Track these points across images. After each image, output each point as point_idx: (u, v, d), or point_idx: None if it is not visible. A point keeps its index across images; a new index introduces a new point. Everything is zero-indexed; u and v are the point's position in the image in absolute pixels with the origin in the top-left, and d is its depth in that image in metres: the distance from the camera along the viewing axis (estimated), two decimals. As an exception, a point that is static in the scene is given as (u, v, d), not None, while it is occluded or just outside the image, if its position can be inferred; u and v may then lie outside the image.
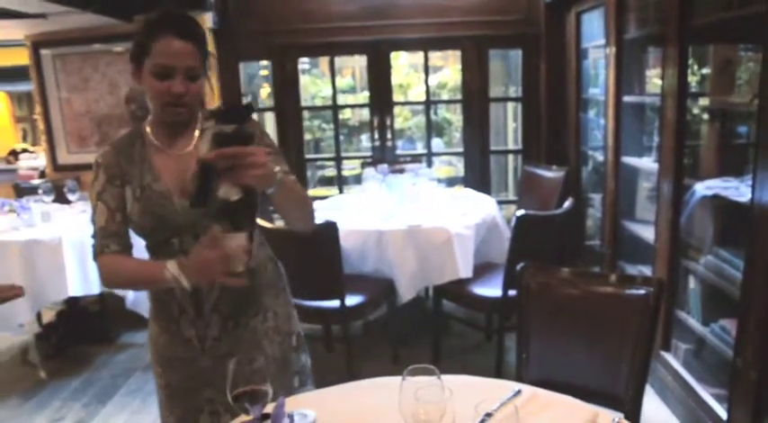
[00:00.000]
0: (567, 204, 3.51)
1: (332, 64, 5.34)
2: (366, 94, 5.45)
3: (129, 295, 3.92)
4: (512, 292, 3.23)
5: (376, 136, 5.17)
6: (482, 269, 3.64)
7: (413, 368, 1.28)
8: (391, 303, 3.59)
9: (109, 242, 1.65)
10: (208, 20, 4.88)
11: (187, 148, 1.68)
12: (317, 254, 3.11)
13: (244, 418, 1.32)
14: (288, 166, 1.69)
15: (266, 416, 1.31)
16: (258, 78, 5.78)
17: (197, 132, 1.68)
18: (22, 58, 5.59)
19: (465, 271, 3.46)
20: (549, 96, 4.94)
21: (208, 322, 1.71)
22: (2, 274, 3.57)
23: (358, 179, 4.75)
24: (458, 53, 5.21)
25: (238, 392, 1.31)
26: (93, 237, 1.68)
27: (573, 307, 2.05)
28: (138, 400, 3.63)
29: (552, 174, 4.32)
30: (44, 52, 5.24)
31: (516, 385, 1.60)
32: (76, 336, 4.45)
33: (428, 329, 3.86)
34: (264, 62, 5.53)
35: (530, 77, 5.07)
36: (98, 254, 1.67)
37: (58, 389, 3.82)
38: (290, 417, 1.31)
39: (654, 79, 3.55)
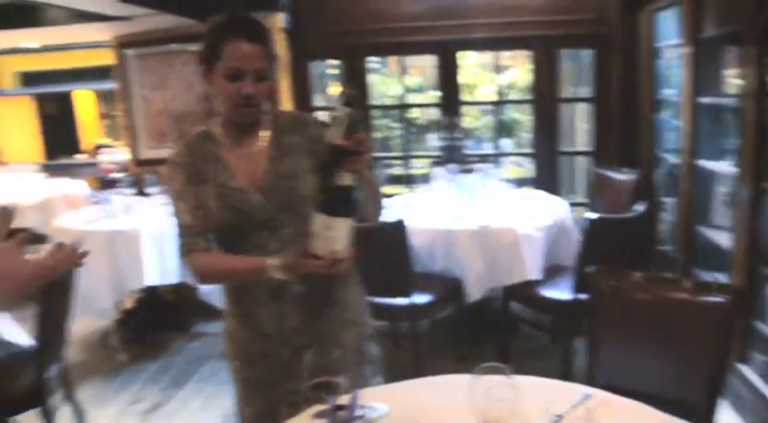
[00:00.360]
0: (639, 208, 3.44)
1: (401, 63, 5.39)
2: (435, 93, 5.47)
3: (203, 286, 4.07)
4: (581, 296, 3.20)
5: (444, 135, 5.19)
6: (551, 271, 3.62)
7: (483, 366, 1.30)
8: (459, 303, 3.61)
9: (197, 240, 1.72)
10: (280, 20, 5.00)
11: (256, 146, 1.75)
12: (386, 251, 3.16)
13: (319, 407, 1.37)
14: None
15: (340, 407, 1.36)
16: (327, 77, 5.88)
17: (264, 132, 1.76)
18: (107, 58, 5.88)
19: (534, 272, 3.44)
20: (621, 97, 4.84)
21: (288, 315, 1.75)
22: (87, 261, 3.78)
23: (426, 178, 4.78)
24: (527, 53, 5.17)
25: (315, 383, 1.37)
26: (180, 236, 1.73)
27: (645, 312, 2.03)
28: (211, 386, 3.78)
29: (624, 176, 4.24)
30: (128, 52, 5.49)
31: (586, 389, 1.60)
32: (154, 323, 4.66)
33: (495, 330, 3.86)
34: (333, 61, 5.61)
35: (601, 78, 4.97)
36: (187, 252, 1.72)
37: (137, 372, 4.02)
38: (364, 408, 1.36)
39: (732, 79, 3.44)
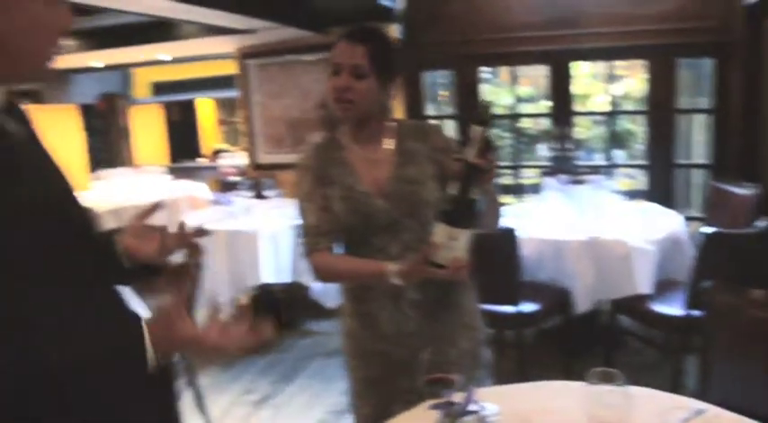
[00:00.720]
0: (760, 224, 3.29)
1: (512, 73, 5.39)
2: (546, 102, 5.44)
3: (314, 286, 4.25)
4: (694, 312, 3.11)
5: (555, 145, 5.15)
6: (663, 286, 3.52)
7: (596, 372, 1.31)
8: (566, 313, 3.59)
9: (320, 240, 1.81)
10: (394, 31, 5.15)
11: (381, 152, 1.83)
12: (495, 258, 3.20)
13: (433, 401, 1.44)
14: None
15: (452, 403, 1.41)
16: (438, 87, 5.97)
17: (388, 139, 1.84)
18: (227, 68, 6.25)
19: (645, 286, 3.37)
20: (743, 108, 4.62)
21: (406, 317, 1.81)
22: (208, 259, 4.06)
23: (535, 188, 4.76)
24: (643, 62, 5.04)
25: (431, 378, 1.44)
26: (304, 235, 1.83)
27: (764, 332, 1.97)
28: (318, 382, 3.94)
29: (744, 191, 4.06)
30: (250, 63, 5.82)
31: (699, 404, 1.58)
32: (265, 319, 4.90)
33: (602, 343, 3.80)
34: (445, 71, 5.69)
35: (722, 88, 4.77)
36: (311, 252, 1.82)
37: (249, 365, 4.24)
38: (477, 405, 1.42)
39: None
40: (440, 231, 1.52)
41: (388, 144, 1.84)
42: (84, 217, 1.18)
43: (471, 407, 1.37)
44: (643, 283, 3.37)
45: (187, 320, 1.08)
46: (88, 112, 9.26)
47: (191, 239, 1.33)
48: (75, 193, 1.18)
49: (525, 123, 6.39)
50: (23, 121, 1.11)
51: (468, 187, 1.48)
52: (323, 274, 1.84)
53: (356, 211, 1.79)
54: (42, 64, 1.07)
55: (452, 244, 1.51)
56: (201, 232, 1.37)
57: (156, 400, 1.23)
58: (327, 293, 4.29)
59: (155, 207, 1.31)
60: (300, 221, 1.85)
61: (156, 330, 1.04)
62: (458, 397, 1.41)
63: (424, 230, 1.71)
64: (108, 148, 9.81)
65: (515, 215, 4.06)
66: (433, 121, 2.00)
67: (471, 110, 1.67)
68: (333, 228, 1.82)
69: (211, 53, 6.86)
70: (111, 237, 1.29)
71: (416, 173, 1.81)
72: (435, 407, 1.37)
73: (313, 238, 1.82)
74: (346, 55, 1.72)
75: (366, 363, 1.89)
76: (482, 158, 1.46)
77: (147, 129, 10.23)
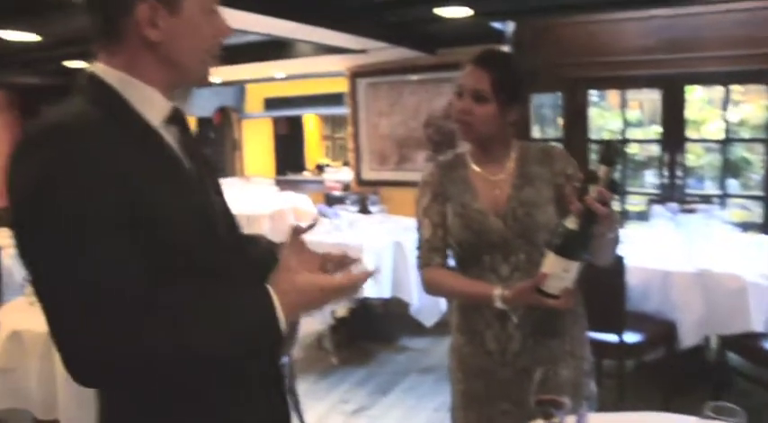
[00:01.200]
0: None
1: (623, 97, 5.31)
2: (656, 128, 5.30)
3: (414, 303, 4.32)
4: (815, 355, 2.95)
5: (665, 173, 5.00)
6: (778, 325, 3.35)
7: (714, 405, 1.29)
8: (670, 347, 3.47)
9: (434, 255, 1.90)
10: (504, 53, 5.19)
11: (502, 173, 1.88)
12: (601, 286, 3.15)
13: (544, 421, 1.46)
14: None
15: None
16: (546, 109, 5.95)
17: (511, 161, 1.88)
18: (335, 85, 6.48)
19: (759, 324, 3.21)
20: None
21: (510, 337, 1.83)
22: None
23: (641, 216, 4.66)
24: (763, 87, 4.83)
25: (541, 399, 1.47)
26: (419, 248, 1.93)
27: None
28: (413, 398, 3.99)
29: None
30: (360, 81, 6.02)
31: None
32: (363, 332, 5.02)
33: (707, 381, 3.65)
34: (552, 94, 5.67)
35: None
36: (424, 265, 1.91)
37: (346, 375, 4.35)
38: (588, 429, 1.43)
39: None
40: (553, 262, 1.55)
41: (510, 166, 1.88)
42: (229, 221, 1.28)
43: (584, 425, 1.38)
44: (757, 321, 3.22)
45: (303, 272, 1.13)
46: (204, 124, 9.83)
47: (348, 266, 1.37)
48: (224, 197, 1.29)
49: (633, 149, 6.24)
50: (185, 127, 1.22)
51: (587, 225, 1.51)
52: (432, 288, 1.93)
53: (469, 228, 1.84)
54: (203, 71, 1.19)
55: (564, 275, 1.54)
56: (356, 263, 1.43)
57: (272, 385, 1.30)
58: (426, 312, 4.35)
59: (310, 226, 1.39)
60: (417, 235, 1.94)
61: (279, 286, 1.10)
62: (569, 420, 1.42)
63: (534, 252, 1.76)
64: (221, 158, 10.36)
65: (621, 242, 3.98)
66: (560, 147, 2.02)
67: (600, 149, 1.68)
68: (446, 244, 1.90)
69: (322, 71, 7.14)
70: (273, 246, 1.37)
71: (534, 196, 1.83)
72: (548, 427, 1.39)
73: (426, 253, 1.91)
74: (470, 79, 1.79)
75: (469, 377, 1.93)
76: (603, 198, 1.48)
77: (256, 142, 10.72)
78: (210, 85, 1.29)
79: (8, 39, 5.07)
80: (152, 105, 1.13)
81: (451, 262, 1.97)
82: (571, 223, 1.52)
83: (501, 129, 1.84)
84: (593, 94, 5.97)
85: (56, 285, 0.98)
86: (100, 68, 1.12)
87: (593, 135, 5.73)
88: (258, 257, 1.31)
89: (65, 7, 3.83)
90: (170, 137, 1.16)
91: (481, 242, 1.84)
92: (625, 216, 5.37)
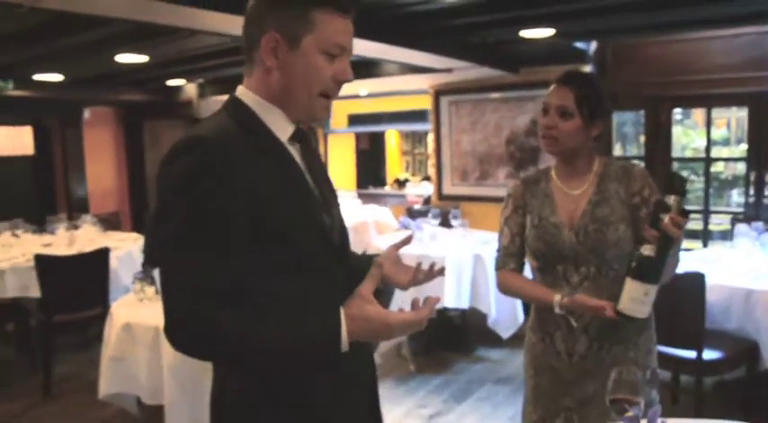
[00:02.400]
0: None
1: (708, 115, 5.25)
2: (742, 146, 5.21)
3: (492, 314, 4.41)
4: None
5: (750, 191, 4.91)
6: None
7: None
8: (752, 366, 3.44)
9: (508, 260, 2.10)
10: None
11: (580, 189, 2.00)
12: (680, 302, 3.18)
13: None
14: None
15: (638, 420, 1.50)
16: (628, 127, 5.94)
17: (592, 177, 1.99)
18: (416, 103, 6.64)
19: None
20: None
21: (577, 340, 1.96)
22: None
23: (725, 235, 4.59)
24: None
25: (616, 397, 1.56)
26: (498, 251, 2.13)
27: None
28: (488, 406, 4.08)
29: None
30: (443, 99, 6.19)
31: None
32: (441, 341, 5.14)
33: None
34: (633, 112, 5.66)
35: None
36: (499, 268, 2.12)
37: (422, 382, 4.48)
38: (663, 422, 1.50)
39: None
40: (634, 288, 1.69)
41: (590, 181, 2.01)
42: (342, 232, 1.45)
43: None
44: None
45: (375, 303, 1.22)
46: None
47: (435, 276, 1.55)
48: (337, 207, 1.46)
49: (718, 167, 6.13)
50: (308, 145, 1.41)
51: (664, 251, 1.64)
52: (503, 288, 2.13)
53: (542, 240, 1.99)
54: (313, 106, 1.33)
55: (645, 299, 1.68)
56: (442, 273, 1.60)
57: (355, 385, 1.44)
58: (503, 324, 4.44)
59: (407, 239, 1.55)
60: (498, 241, 2.14)
61: (350, 310, 1.21)
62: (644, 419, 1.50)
63: (604, 265, 1.92)
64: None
65: (703, 260, 3.96)
66: (641, 167, 2.12)
67: (667, 180, 1.74)
68: (522, 251, 2.08)
69: (406, 89, 7.34)
70: (369, 260, 1.50)
71: (608, 213, 1.94)
72: (625, 420, 1.48)
73: (503, 258, 2.11)
74: (555, 96, 1.93)
75: (539, 373, 2.07)
76: (678, 224, 1.60)
77: (340, 156, 11.05)
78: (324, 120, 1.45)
79: (121, 61, 5.54)
80: (280, 125, 1.32)
81: (528, 268, 2.13)
82: (648, 250, 1.64)
83: (584, 143, 1.97)
84: (677, 112, 5.91)
85: (172, 266, 1.19)
86: (241, 90, 1.34)
87: (676, 153, 5.68)
88: (355, 270, 1.43)
89: (173, 32, 4.19)
90: (295, 153, 1.35)
91: (553, 253, 1.98)
92: (708, 235, 5.28)
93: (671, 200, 1.61)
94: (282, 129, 1.33)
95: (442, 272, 1.59)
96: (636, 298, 1.68)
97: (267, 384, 1.30)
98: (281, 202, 1.25)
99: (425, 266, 1.57)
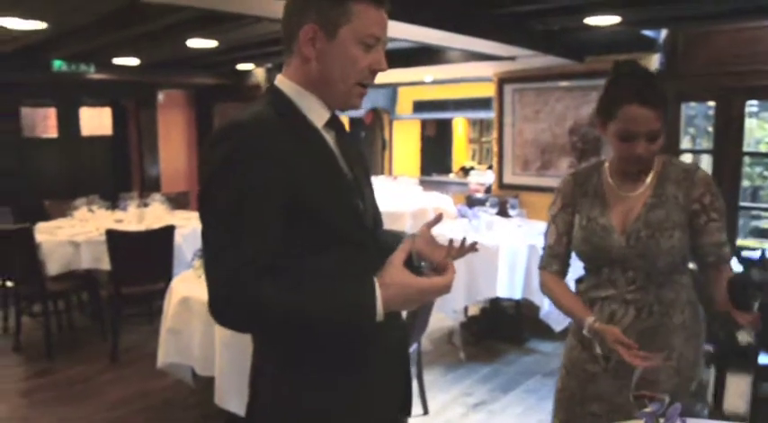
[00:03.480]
0: None
1: (786, 109, 4.99)
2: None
3: (545, 306, 4.37)
4: None
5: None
6: None
7: None
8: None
9: (552, 261, 2.01)
10: (655, 61, 5.07)
11: (637, 190, 1.88)
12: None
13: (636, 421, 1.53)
14: (726, 235, 1.81)
15: (658, 416, 1.48)
16: (699, 119, 5.71)
17: (650, 178, 1.87)
18: (483, 90, 6.57)
19: None
20: None
21: None
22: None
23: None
24: None
25: (639, 394, 1.55)
26: (543, 250, 2.04)
27: None
28: (534, 398, 4.06)
29: None
30: (507, 87, 6.12)
31: None
32: (492, 331, 5.14)
33: None
34: (710, 103, 5.44)
35: None
36: (542, 267, 2.03)
37: (471, 371, 4.50)
38: (683, 420, 1.48)
39: None
40: (738, 383, 1.50)
41: (648, 183, 1.88)
42: (376, 215, 1.50)
43: (677, 422, 1.45)
44: None
45: (406, 272, 1.30)
46: (356, 124, 10.33)
47: (467, 252, 1.55)
48: (372, 191, 1.51)
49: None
50: (342, 131, 1.46)
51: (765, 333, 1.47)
52: (544, 290, 2.05)
53: (589, 242, 1.91)
54: (348, 95, 1.38)
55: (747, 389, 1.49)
56: (474, 248, 1.57)
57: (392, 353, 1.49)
58: (555, 316, 4.39)
59: (438, 218, 1.54)
60: (544, 238, 2.06)
61: (383, 279, 1.28)
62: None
63: (654, 271, 1.82)
64: (371, 157, 10.83)
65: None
66: (704, 172, 1.98)
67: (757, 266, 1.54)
68: (568, 251, 2.00)
69: (470, 76, 7.28)
70: (399, 236, 1.55)
71: (663, 219, 1.83)
72: (642, 416, 1.48)
73: (547, 258, 2.03)
74: (640, 122, 1.74)
75: (570, 374, 2.01)
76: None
77: (405, 142, 11.09)
78: (357, 109, 1.48)
79: (192, 46, 5.74)
80: (316, 111, 1.38)
81: (574, 267, 2.06)
82: (747, 336, 1.47)
83: None
84: (753, 105, 5.64)
85: (213, 245, 1.25)
86: (279, 79, 1.40)
87: (748, 148, 5.43)
88: (386, 246, 1.49)
89: (239, 18, 4.31)
90: (330, 138, 1.41)
91: (599, 256, 1.90)
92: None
93: (763, 275, 1.43)
94: (318, 115, 1.38)
95: (473, 247, 1.55)
96: (743, 393, 1.47)
97: (301, 358, 1.36)
98: (315, 184, 1.30)
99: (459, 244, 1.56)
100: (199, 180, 1.32)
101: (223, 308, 1.23)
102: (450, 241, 1.47)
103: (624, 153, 1.80)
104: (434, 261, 1.53)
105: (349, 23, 1.31)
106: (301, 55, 1.35)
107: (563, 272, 2.02)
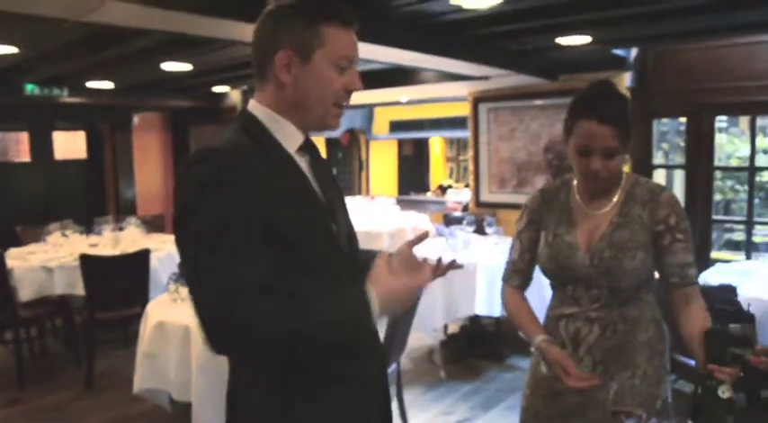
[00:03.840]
0: None
1: (752, 123, 5.10)
2: (792, 157, 5.05)
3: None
4: None
5: (798, 204, 4.76)
6: None
7: None
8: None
9: (514, 276, 2.01)
10: (626, 79, 5.17)
11: (603, 209, 1.87)
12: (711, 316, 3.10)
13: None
14: (693, 257, 1.80)
15: None
16: (671, 135, 5.81)
17: (616, 197, 1.86)
18: (459, 109, 6.63)
19: None
20: None
21: (581, 361, 1.86)
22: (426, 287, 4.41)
23: (768, 247, 4.45)
24: None
25: (615, 410, 1.55)
26: (506, 265, 2.04)
27: None
28: (515, 415, 3.83)
29: None
30: (482, 106, 6.18)
31: None
32: (472, 349, 5.13)
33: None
34: (675, 120, 5.54)
35: None
36: (504, 281, 2.04)
37: (451, 389, 4.48)
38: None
39: None
40: None
41: (614, 202, 1.87)
42: (350, 236, 1.50)
43: (653, 438, 1.46)
44: None
45: (392, 276, 1.32)
46: (332, 144, 10.35)
47: (445, 272, 1.53)
48: (346, 213, 1.51)
49: (764, 176, 5.94)
50: (316, 155, 1.46)
51: (756, 392, 1.48)
52: (503, 305, 2.05)
53: (554, 260, 1.90)
54: (326, 117, 1.40)
55: None
56: (455, 266, 1.55)
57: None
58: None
59: (423, 236, 1.52)
60: (509, 252, 2.06)
61: (375, 278, 1.30)
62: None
63: (615, 290, 1.82)
64: (348, 177, 10.85)
65: (742, 273, 3.86)
66: (669, 193, 1.97)
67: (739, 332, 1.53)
68: (530, 268, 2.00)
69: (445, 96, 7.35)
70: (372, 255, 1.51)
71: (627, 239, 1.81)
72: (619, 433, 1.48)
73: (510, 272, 2.03)
74: (596, 139, 1.73)
75: (535, 393, 1.98)
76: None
77: (382, 162, 11.13)
78: (334, 129, 1.50)
79: (166, 69, 5.73)
80: (289, 136, 1.38)
81: (537, 282, 2.05)
82: (727, 391, 1.39)
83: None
84: (723, 121, 5.76)
85: (197, 269, 1.23)
86: (252, 104, 1.41)
87: (719, 162, 5.53)
88: (364, 266, 1.49)
89: (212, 42, 4.32)
90: (303, 163, 1.41)
91: (564, 274, 1.89)
92: (752, 247, 5.12)
93: (743, 329, 1.40)
94: (292, 140, 1.39)
95: (452, 265, 1.53)
96: None
97: (280, 378, 1.35)
98: (289, 209, 1.30)
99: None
100: (174, 203, 1.30)
101: (213, 331, 1.20)
102: (424, 260, 1.46)
103: (582, 168, 1.80)
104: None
105: (322, 47, 1.33)
106: (276, 80, 1.35)
107: (524, 286, 2.02)
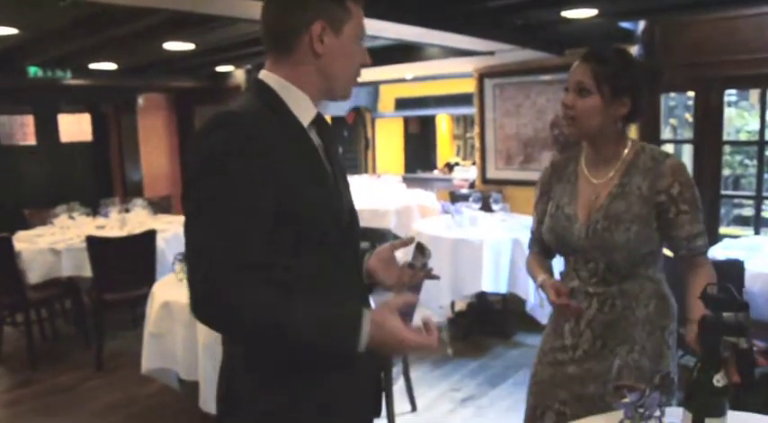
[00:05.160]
0: None
1: (763, 96, 5.02)
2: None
3: (531, 300, 4.38)
4: None
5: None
6: None
7: None
8: (797, 358, 3.32)
9: (534, 244, 2.11)
10: (633, 52, 5.08)
11: (605, 177, 1.87)
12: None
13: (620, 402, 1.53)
14: (701, 226, 1.80)
15: (637, 406, 1.48)
16: (679, 109, 5.74)
17: (619, 166, 1.86)
18: (465, 86, 6.57)
19: None
20: None
21: (581, 334, 1.89)
22: (432, 264, 4.40)
23: (778, 222, 4.41)
24: None
25: (620, 384, 1.55)
26: (531, 234, 2.12)
27: None
28: (522, 391, 3.95)
29: None
30: (487, 82, 6.11)
31: None
32: (479, 326, 5.14)
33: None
34: (690, 93, 5.46)
35: None
36: (528, 248, 2.13)
37: (459, 366, 4.50)
38: (663, 414, 1.49)
39: None
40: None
41: (616, 170, 1.86)
42: (352, 213, 1.49)
43: (656, 412, 1.45)
44: None
45: (398, 319, 1.27)
46: (339, 123, 10.31)
47: (423, 278, 1.55)
48: (348, 187, 1.50)
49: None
50: (326, 130, 1.45)
51: (747, 378, 1.40)
52: (526, 268, 2.13)
53: (553, 231, 1.93)
54: (347, 88, 1.43)
55: None
56: (430, 275, 1.57)
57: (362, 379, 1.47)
58: (542, 309, 4.40)
59: (409, 241, 1.55)
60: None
61: (374, 317, 1.26)
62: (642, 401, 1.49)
63: (612, 264, 1.83)
64: (354, 156, 10.81)
65: (749, 248, 3.83)
66: (674, 160, 1.83)
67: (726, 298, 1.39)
68: (541, 238, 2.03)
69: (450, 72, 7.28)
70: (381, 233, 1.58)
71: (622, 211, 1.81)
72: (621, 406, 1.48)
73: (531, 241, 2.13)
74: (574, 73, 1.81)
75: (543, 363, 2.01)
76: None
77: (388, 140, 11.08)
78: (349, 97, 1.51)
79: (169, 49, 5.69)
80: (303, 108, 1.37)
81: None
82: (722, 380, 1.37)
83: (608, 125, 1.81)
84: (732, 94, 5.68)
85: (195, 241, 1.21)
86: (264, 74, 1.39)
87: (728, 137, 5.46)
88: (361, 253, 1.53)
89: (215, 20, 4.28)
90: (314, 137, 1.40)
91: (563, 245, 1.92)
92: (761, 222, 5.07)
93: (737, 317, 1.36)
94: (304, 113, 1.37)
95: (429, 274, 1.57)
96: None
97: (273, 365, 1.33)
98: (302, 184, 1.29)
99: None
100: (185, 171, 1.27)
101: (203, 304, 1.18)
102: (404, 266, 1.52)
103: (561, 104, 1.87)
104: (384, 283, 1.54)
105: (350, 20, 1.37)
106: (309, 51, 1.35)
107: (544, 253, 2.08)
